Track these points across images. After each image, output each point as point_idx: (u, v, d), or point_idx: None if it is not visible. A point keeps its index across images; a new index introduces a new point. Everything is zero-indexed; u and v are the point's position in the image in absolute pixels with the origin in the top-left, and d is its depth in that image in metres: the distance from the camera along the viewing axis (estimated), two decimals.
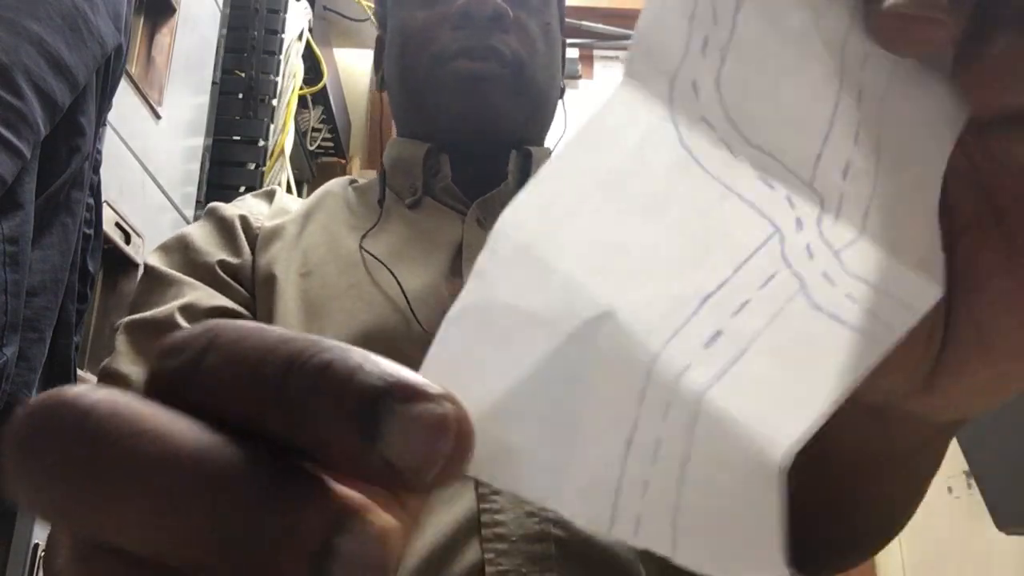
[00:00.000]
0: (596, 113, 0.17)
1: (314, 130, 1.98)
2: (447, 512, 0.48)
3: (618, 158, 0.17)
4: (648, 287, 0.17)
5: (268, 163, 1.57)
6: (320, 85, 1.86)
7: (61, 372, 0.91)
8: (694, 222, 0.18)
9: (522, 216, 0.16)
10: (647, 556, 0.47)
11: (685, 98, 0.18)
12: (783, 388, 0.17)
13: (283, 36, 1.64)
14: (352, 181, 0.70)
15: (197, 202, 1.46)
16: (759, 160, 0.18)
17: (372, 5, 1.95)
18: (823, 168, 0.18)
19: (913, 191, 0.20)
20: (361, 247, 0.59)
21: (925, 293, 0.19)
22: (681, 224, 0.17)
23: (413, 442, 0.13)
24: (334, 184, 0.70)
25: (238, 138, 1.55)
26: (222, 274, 0.58)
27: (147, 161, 1.24)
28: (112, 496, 0.13)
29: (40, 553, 0.91)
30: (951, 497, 1.54)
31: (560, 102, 0.73)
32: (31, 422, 0.13)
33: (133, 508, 0.13)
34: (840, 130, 0.19)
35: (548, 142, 0.73)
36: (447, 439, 0.13)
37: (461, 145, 0.66)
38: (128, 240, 1.17)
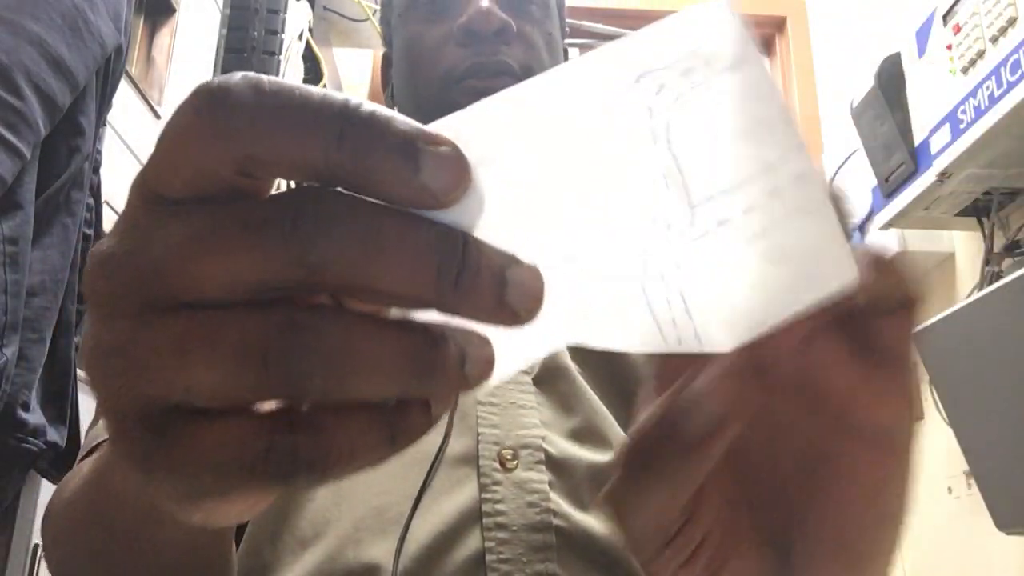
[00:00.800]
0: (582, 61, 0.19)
1: None
2: (449, 501, 0.48)
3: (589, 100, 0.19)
4: (552, 202, 0.20)
5: None
6: (320, 85, 1.86)
7: (61, 372, 0.91)
8: (613, 172, 0.20)
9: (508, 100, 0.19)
10: None
11: (650, 87, 0.19)
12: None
13: (283, 36, 1.64)
14: None
15: None
16: (669, 165, 0.20)
17: (372, 5, 1.95)
18: (712, 206, 0.20)
19: (746, 286, 0.22)
20: None
21: (693, 343, 0.22)
22: (604, 172, 0.20)
23: (442, 170, 0.17)
24: None
25: None
26: None
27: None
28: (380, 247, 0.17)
29: (40, 553, 0.91)
30: (951, 497, 1.54)
31: None
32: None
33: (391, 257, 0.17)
34: (743, 198, 0.20)
35: None
36: (464, 168, 0.18)
37: None
38: None
